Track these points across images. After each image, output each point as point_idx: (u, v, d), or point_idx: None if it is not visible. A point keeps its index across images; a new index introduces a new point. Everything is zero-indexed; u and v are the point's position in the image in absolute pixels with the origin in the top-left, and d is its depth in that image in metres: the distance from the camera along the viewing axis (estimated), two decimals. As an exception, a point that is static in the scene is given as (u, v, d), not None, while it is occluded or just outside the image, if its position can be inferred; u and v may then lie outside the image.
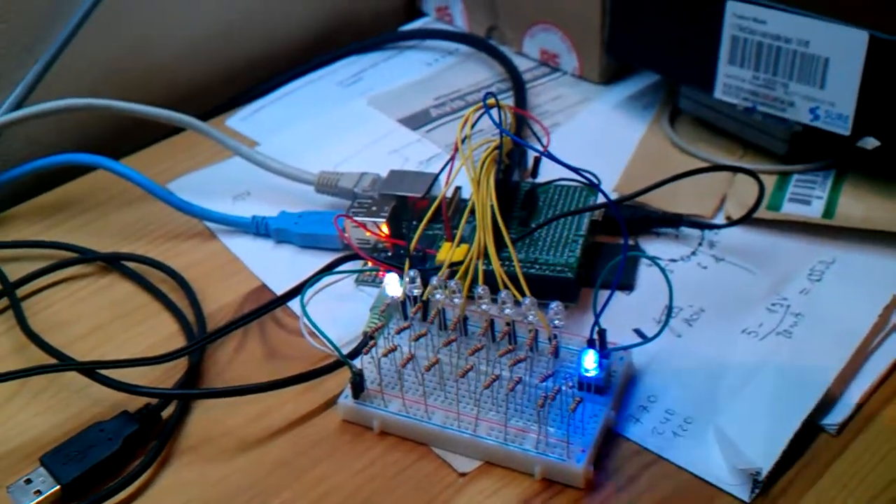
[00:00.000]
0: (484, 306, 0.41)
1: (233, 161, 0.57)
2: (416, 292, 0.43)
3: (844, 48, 0.48)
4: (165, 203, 0.53)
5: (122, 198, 0.56)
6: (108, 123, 0.60)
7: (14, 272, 0.51)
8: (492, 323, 0.42)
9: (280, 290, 0.48)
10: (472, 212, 0.46)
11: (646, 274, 0.48)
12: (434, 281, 0.42)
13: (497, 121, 0.47)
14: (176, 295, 0.49)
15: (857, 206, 0.50)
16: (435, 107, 0.62)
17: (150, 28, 0.62)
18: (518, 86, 0.61)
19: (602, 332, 0.41)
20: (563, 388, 0.39)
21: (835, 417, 0.41)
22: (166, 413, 0.43)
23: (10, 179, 0.56)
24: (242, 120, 0.62)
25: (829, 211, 0.50)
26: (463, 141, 0.47)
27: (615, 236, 0.49)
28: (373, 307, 0.46)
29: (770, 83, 0.51)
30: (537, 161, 0.52)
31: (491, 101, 0.47)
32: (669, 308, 0.42)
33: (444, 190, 0.48)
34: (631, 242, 0.50)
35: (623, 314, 0.45)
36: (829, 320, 0.45)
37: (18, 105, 0.56)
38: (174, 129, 0.59)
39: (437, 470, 0.41)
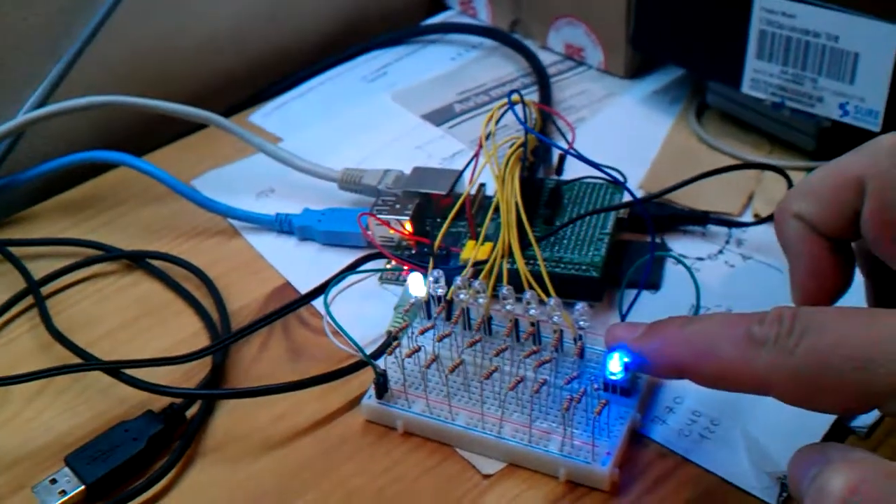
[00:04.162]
0: (508, 307, 0.41)
1: (256, 158, 0.57)
2: (440, 292, 0.43)
3: (874, 43, 0.48)
4: (189, 200, 0.53)
5: (145, 195, 0.56)
6: (131, 120, 0.60)
7: (38, 270, 0.51)
8: (516, 323, 0.42)
9: (304, 288, 0.48)
10: (497, 209, 0.46)
11: (672, 272, 0.48)
12: (458, 280, 0.42)
13: (521, 118, 0.46)
14: (200, 293, 0.49)
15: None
16: (459, 102, 0.61)
17: (172, 24, 0.62)
18: (542, 80, 0.61)
19: (628, 333, 0.41)
20: (589, 389, 0.39)
21: (864, 419, 0.40)
22: (190, 413, 0.43)
23: (34, 177, 0.56)
24: (266, 116, 0.62)
25: (858, 208, 0.50)
26: (487, 138, 0.47)
27: (641, 234, 0.49)
28: (397, 306, 0.46)
29: (799, 78, 0.51)
30: (562, 158, 0.52)
31: (515, 97, 0.46)
32: (697, 307, 0.41)
33: (468, 187, 0.47)
34: (657, 240, 0.50)
35: (649, 314, 0.44)
36: (858, 320, 0.44)
37: (42, 103, 0.56)
38: (197, 126, 0.59)
39: (462, 471, 0.40)
